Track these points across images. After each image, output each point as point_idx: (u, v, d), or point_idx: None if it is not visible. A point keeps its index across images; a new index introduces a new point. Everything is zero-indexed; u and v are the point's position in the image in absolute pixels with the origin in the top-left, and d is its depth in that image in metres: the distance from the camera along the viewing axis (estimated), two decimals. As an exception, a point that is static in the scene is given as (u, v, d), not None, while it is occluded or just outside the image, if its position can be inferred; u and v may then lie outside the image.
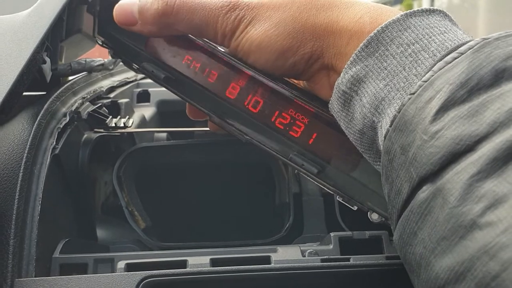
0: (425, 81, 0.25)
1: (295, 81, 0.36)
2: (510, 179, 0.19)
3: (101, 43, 0.39)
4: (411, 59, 0.27)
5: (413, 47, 0.27)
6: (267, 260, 0.32)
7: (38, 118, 0.36)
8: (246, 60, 0.34)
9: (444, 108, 0.23)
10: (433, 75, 0.24)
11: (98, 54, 0.53)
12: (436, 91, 0.24)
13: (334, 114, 0.31)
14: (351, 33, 0.30)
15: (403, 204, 0.24)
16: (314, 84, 0.33)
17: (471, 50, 0.24)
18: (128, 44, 0.37)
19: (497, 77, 0.22)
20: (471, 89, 0.23)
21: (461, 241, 0.20)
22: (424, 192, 0.23)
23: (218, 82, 0.35)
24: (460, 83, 0.23)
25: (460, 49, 0.25)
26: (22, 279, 0.29)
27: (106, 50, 0.40)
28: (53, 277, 0.30)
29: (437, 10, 0.29)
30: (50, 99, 0.39)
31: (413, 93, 0.25)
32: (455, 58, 0.24)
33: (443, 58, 0.25)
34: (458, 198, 0.21)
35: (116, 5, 0.35)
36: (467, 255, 0.20)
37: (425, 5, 4.31)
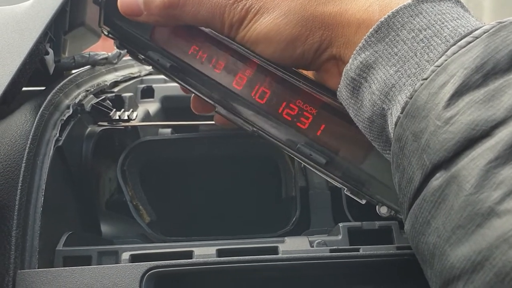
0: (438, 66, 0.24)
1: (303, 71, 0.36)
2: None
3: (106, 34, 0.38)
4: (423, 44, 0.26)
5: (425, 33, 0.26)
6: (274, 250, 0.31)
7: (41, 109, 0.36)
8: (253, 50, 0.33)
9: (459, 93, 0.22)
10: (446, 60, 0.24)
11: (102, 49, 0.53)
12: (450, 76, 0.23)
13: (342, 102, 0.31)
14: (359, 22, 0.29)
15: (415, 193, 0.24)
16: (323, 73, 0.33)
17: (486, 34, 0.23)
18: (133, 33, 0.37)
19: None
20: (487, 73, 0.22)
21: (478, 229, 0.20)
22: (438, 180, 0.22)
23: (225, 73, 0.35)
24: (476, 67, 0.22)
25: (474, 33, 0.24)
26: (24, 270, 0.29)
27: (110, 45, 0.40)
28: (56, 268, 0.30)
29: None
30: (53, 91, 0.39)
31: (426, 79, 0.24)
32: (470, 43, 0.24)
33: (456, 43, 0.24)
34: (474, 185, 0.20)
35: None
36: (485, 244, 0.19)
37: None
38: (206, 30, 0.35)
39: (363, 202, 0.33)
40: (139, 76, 0.65)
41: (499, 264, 0.18)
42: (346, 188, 0.33)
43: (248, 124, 0.35)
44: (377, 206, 0.33)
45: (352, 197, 0.34)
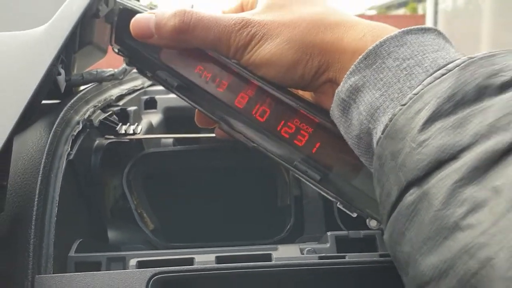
0: (416, 94, 0.26)
1: (300, 92, 0.38)
2: (489, 186, 0.21)
3: (117, 51, 0.40)
4: (406, 72, 0.28)
5: (408, 62, 0.29)
6: (268, 257, 0.34)
7: (54, 127, 0.38)
8: (256, 72, 0.35)
9: (432, 119, 0.25)
10: (423, 89, 0.26)
11: (107, 65, 0.56)
12: (425, 103, 0.25)
13: (334, 120, 0.33)
14: (354, 50, 0.32)
15: (392, 206, 0.26)
16: (320, 94, 0.35)
17: (458, 67, 0.26)
18: (143, 53, 0.39)
19: (480, 93, 0.24)
20: (457, 103, 0.24)
21: (444, 241, 0.22)
22: (411, 195, 0.24)
23: (227, 92, 0.36)
24: (447, 97, 0.25)
25: (448, 66, 0.27)
26: (41, 275, 0.32)
27: (114, 60, 0.42)
28: (70, 273, 0.32)
29: (431, 28, 0.31)
30: (65, 109, 0.41)
31: (404, 104, 0.27)
32: (443, 74, 0.26)
33: (433, 74, 0.27)
34: (442, 202, 0.22)
35: (133, 19, 0.37)
36: (450, 254, 0.21)
37: (429, 8, 4.31)
38: (211, 52, 0.37)
39: (354, 215, 0.35)
40: (143, 87, 0.68)
41: (461, 272, 0.20)
42: (338, 202, 0.35)
43: (248, 140, 0.36)
44: (367, 220, 0.35)
45: (344, 210, 0.35)
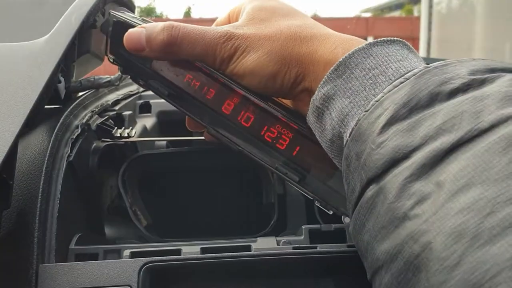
0: (377, 101, 0.29)
1: (282, 100, 0.41)
2: (433, 181, 0.24)
3: (112, 61, 0.43)
4: (371, 81, 0.31)
5: (373, 72, 0.31)
6: (248, 248, 0.37)
7: (55, 131, 0.42)
8: (240, 82, 0.37)
9: (389, 123, 0.27)
10: (383, 96, 0.29)
11: (104, 72, 0.60)
12: (384, 109, 0.28)
13: (310, 126, 0.36)
14: (326, 61, 0.34)
15: (356, 201, 0.29)
16: (298, 102, 0.38)
17: (414, 76, 0.28)
18: (136, 63, 0.41)
19: (432, 99, 0.26)
20: (411, 108, 0.27)
21: (395, 229, 0.24)
22: (371, 191, 0.27)
23: (215, 99, 0.39)
24: (403, 103, 0.27)
25: (406, 75, 0.29)
26: (45, 264, 0.35)
27: (111, 67, 0.45)
28: (70, 263, 0.36)
29: (396, 40, 0.34)
30: (65, 114, 0.45)
31: (367, 110, 0.29)
32: (402, 83, 0.28)
33: (393, 82, 0.30)
34: (394, 196, 0.25)
35: (126, 34, 0.39)
36: (399, 240, 0.24)
37: (424, 10, 4.34)
38: (199, 64, 0.39)
39: (331, 212, 0.38)
40: (138, 92, 0.72)
41: (407, 255, 0.23)
42: (316, 201, 0.38)
43: (234, 144, 0.39)
44: (342, 217, 0.38)
45: (322, 208, 0.38)
